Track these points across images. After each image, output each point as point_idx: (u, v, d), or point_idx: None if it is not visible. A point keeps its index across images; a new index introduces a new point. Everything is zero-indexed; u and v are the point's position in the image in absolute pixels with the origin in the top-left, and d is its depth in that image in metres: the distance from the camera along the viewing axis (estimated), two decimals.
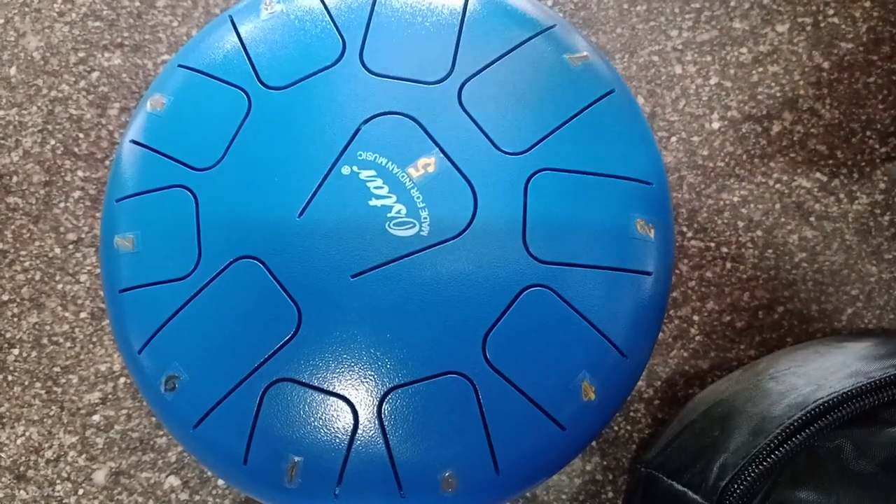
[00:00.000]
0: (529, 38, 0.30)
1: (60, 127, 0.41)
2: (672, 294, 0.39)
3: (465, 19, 0.30)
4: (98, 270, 0.39)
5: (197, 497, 0.38)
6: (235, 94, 0.29)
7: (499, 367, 0.27)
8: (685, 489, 0.29)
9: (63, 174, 0.40)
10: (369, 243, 0.28)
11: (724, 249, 0.39)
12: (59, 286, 0.39)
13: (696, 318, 0.39)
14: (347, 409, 0.27)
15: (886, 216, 0.39)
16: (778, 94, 0.40)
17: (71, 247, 0.40)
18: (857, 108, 0.40)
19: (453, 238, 0.28)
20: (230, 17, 0.31)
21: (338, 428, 0.27)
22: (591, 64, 0.30)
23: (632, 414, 0.38)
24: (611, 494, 0.37)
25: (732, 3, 0.41)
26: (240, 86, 0.30)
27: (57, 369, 0.39)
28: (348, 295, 0.27)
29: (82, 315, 0.39)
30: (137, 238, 0.29)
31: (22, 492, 0.38)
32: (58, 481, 0.38)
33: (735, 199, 0.39)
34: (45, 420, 0.38)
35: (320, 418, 0.27)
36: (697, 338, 0.39)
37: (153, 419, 0.38)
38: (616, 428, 0.38)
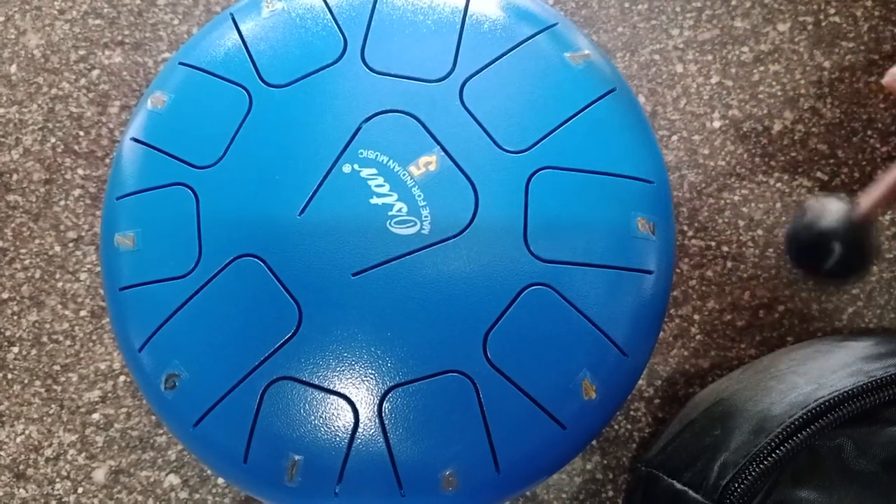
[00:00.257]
0: (531, 37, 0.30)
1: (61, 125, 0.41)
2: (673, 293, 0.39)
3: (467, 17, 0.30)
4: (98, 268, 0.39)
5: (197, 496, 0.37)
6: (236, 92, 0.29)
7: (499, 365, 0.27)
8: (686, 488, 0.29)
9: (63, 172, 0.40)
10: (370, 242, 0.28)
11: (725, 248, 0.39)
12: (59, 284, 0.39)
13: (696, 316, 0.39)
14: (348, 407, 0.27)
15: (887, 216, 0.39)
16: (779, 93, 0.40)
17: (71, 245, 0.40)
18: (858, 108, 0.40)
19: (454, 236, 0.28)
20: (231, 14, 0.31)
21: (338, 426, 0.27)
22: (593, 62, 0.30)
23: (632, 413, 0.38)
24: (611, 493, 0.37)
25: (734, 2, 0.41)
26: (241, 84, 0.30)
27: (57, 367, 0.39)
28: (349, 293, 0.27)
29: (82, 313, 0.39)
30: (138, 236, 0.29)
31: (21, 490, 0.38)
32: (57, 480, 0.38)
33: (736, 197, 0.39)
34: (44, 418, 0.38)
35: (321, 417, 0.27)
36: (698, 337, 0.39)
37: (153, 417, 0.38)
38: (616, 427, 0.38)
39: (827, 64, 0.40)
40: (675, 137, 0.40)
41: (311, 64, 0.29)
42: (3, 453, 0.38)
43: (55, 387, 0.39)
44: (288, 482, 0.27)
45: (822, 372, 0.30)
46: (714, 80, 0.40)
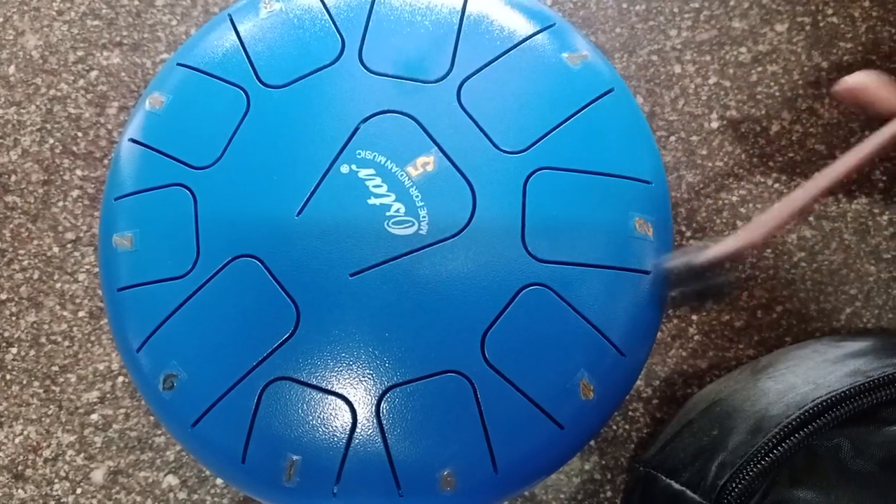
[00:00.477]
0: (529, 38, 0.30)
1: (59, 126, 0.41)
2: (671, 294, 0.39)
3: (465, 18, 0.30)
4: (96, 269, 0.39)
5: (195, 496, 0.37)
6: (234, 93, 0.29)
7: (497, 365, 0.27)
8: (683, 488, 0.29)
9: (62, 173, 0.40)
10: (368, 242, 0.28)
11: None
12: (58, 285, 0.39)
13: (694, 317, 0.39)
14: (346, 407, 0.27)
15: (885, 216, 0.39)
16: (777, 94, 0.40)
17: (69, 246, 0.40)
18: (856, 108, 0.40)
19: (452, 237, 0.28)
20: (229, 15, 0.31)
21: (336, 427, 0.27)
22: (590, 63, 0.30)
23: (630, 413, 0.38)
24: (609, 493, 0.37)
25: (731, 3, 0.41)
26: (239, 84, 0.30)
27: (55, 368, 0.39)
28: (347, 294, 0.27)
29: (80, 314, 0.39)
30: (136, 236, 0.29)
31: (20, 491, 0.38)
32: (56, 480, 0.38)
33: (734, 198, 0.39)
34: (43, 419, 0.38)
35: (319, 417, 0.27)
36: (696, 337, 0.39)
37: (151, 418, 0.38)
38: (615, 427, 0.38)
39: (825, 64, 0.41)
40: (673, 138, 0.40)
41: (309, 65, 0.29)
42: (1, 454, 0.38)
43: (54, 387, 0.39)
44: (286, 482, 0.27)
45: (819, 372, 0.30)
46: (712, 80, 0.41)
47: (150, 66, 0.41)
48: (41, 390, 0.39)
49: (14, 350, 0.39)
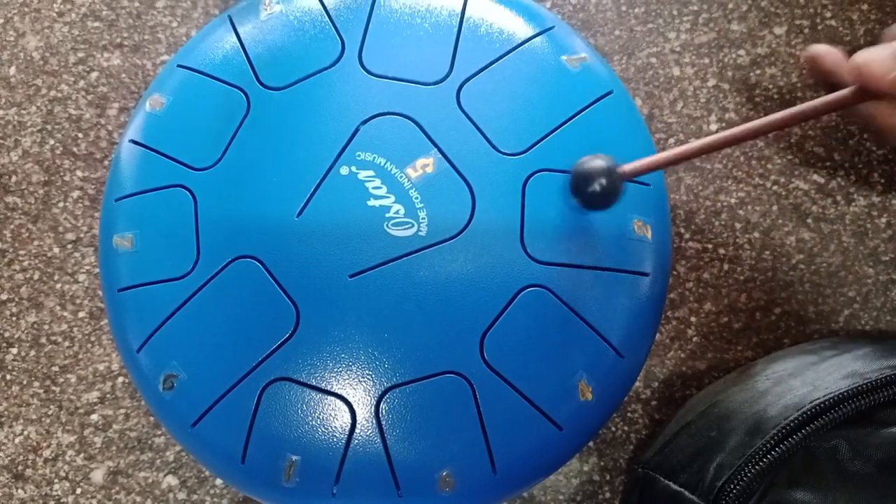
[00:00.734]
0: (528, 40, 0.30)
1: (59, 127, 0.41)
2: (669, 295, 0.39)
3: (464, 21, 0.30)
4: (97, 270, 0.40)
5: (195, 496, 0.38)
6: (234, 95, 0.30)
7: (496, 367, 0.27)
8: (682, 489, 0.29)
9: (62, 174, 0.40)
10: (367, 243, 0.28)
11: (722, 251, 0.39)
12: (58, 285, 0.39)
13: (693, 319, 0.39)
14: (345, 408, 0.27)
15: (883, 218, 0.39)
16: (775, 97, 0.40)
17: (70, 246, 0.40)
18: (855, 110, 0.40)
19: (451, 238, 0.28)
20: (229, 17, 0.31)
21: (335, 427, 0.27)
22: (589, 66, 0.31)
23: (629, 415, 0.38)
24: (608, 495, 0.37)
25: (730, 6, 0.41)
26: (239, 86, 0.30)
27: (55, 368, 0.39)
28: (346, 295, 0.27)
29: (81, 314, 0.39)
30: (136, 237, 0.29)
31: (20, 491, 0.38)
32: (56, 480, 0.38)
33: (733, 200, 0.39)
34: (43, 419, 0.38)
35: (318, 418, 0.27)
36: (695, 339, 0.39)
37: (151, 418, 0.38)
38: (613, 428, 0.38)
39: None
40: (671, 140, 0.40)
41: (309, 66, 0.30)
42: (1, 454, 0.38)
43: (54, 388, 0.39)
44: (285, 483, 0.27)
45: (817, 374, 0.30)
46: (711, 83, 0.41)
47: (151, 67, 0.42)
48: (41, 390, 0.39)
49: (14, 350, 0.39)
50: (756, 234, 0.39)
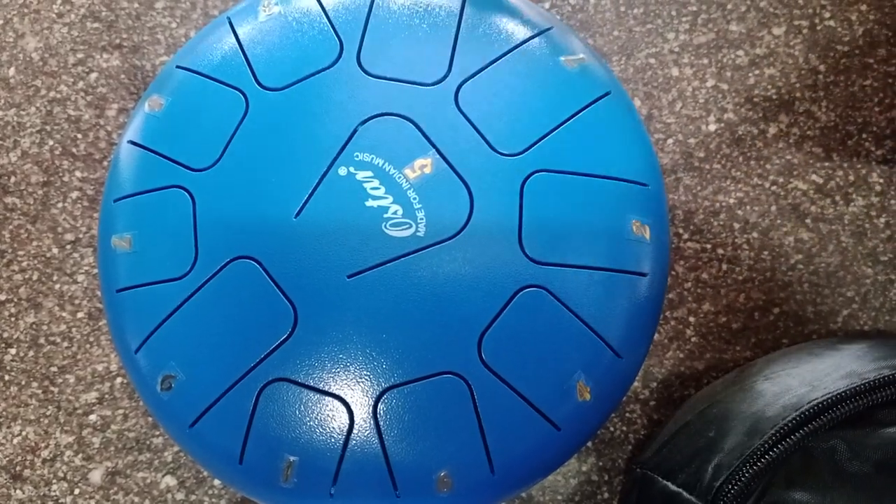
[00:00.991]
0: (526, 41, 0.30)
1: (59, 127, 0.41)
2: (668, 295, 0.39)
3: (462, 21, 0.30)
4: (95, 270, 0.40)
5: (193, 497, 0.38)
6: (233, 96, 0.30)
7: (494, 367, 0.27)
8: (680, 490, 0.29)
9: (61, 174, 0.40)
10: (365, 244, 0.28)
11: (721, 251, 0.39)
12: (57, 286, 0.39)
13: (691, 319, 0.39)
14: (343, 408, 0.27)
15: (882, 218, 0.39)
16: (774, 97, 0.40)
17: (68, 247, 0.40)
18: (854, 111, 0.40)
19: (449, 239, 0.28)
20: (228, 18, 0.31)
21: (333, 428, 0.27)
22: (588, 66, 0.31)
23: (628, 415, 0.38)
24: (606, 495, 0.38)
25: (729, 6, 0.41)
26: (237, 87, 0.30)
27: (54, 369, 0.39)
28: (344, 295, 0.27)
29: (79, 315, 0.39)
30: (135, 238, 0.29)
31: (18, 491, 0.38)
32: (54, 481, 0.38)
33: (731, 200, 0.40)
34: (41, 420, 0.38)
35: (316, 418, 0.27)
36: (693, 339, 0.39)
37: (149, 419, 0.38)
38: (612, 429, 0.38)
39: (822, 67, 0.41)
40: (670, 140, 0.40)
41: (308, 67, 0.30)
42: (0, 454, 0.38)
43: (52, 388, 0.39)
44: (283, 483, 0.27)
45: (816, 374, 0.30)
46: (709, 83, 0.41)
47: (150, 68, 0.42)
48: (40, 391, 0.39)
49: (13, 351, 0.39)
50: (755, 235, 0.39)
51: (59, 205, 0.40)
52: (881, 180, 0.40)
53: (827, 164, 0.40)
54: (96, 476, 0.38)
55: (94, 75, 0.41)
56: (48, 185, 0.40)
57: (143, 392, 0.29)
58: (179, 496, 0.38)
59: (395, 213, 0.28)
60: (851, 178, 0.40)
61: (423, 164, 0.28)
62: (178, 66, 0.31)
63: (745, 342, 0.39)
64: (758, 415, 0.29)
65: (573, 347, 0.28)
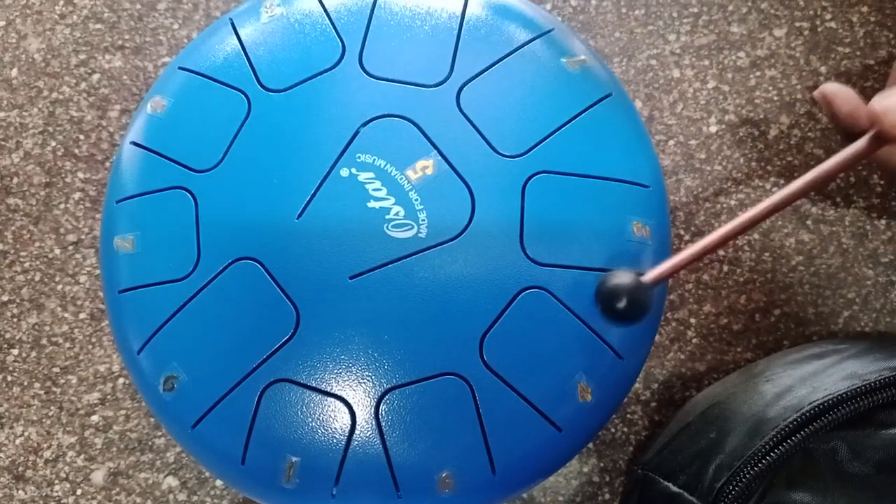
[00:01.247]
0: (528, 42, 0.30)
1: (61, 128, 0.41)
2: (669, 297, 0.39)
3: (464, 23, 0.30)
4: (98, 271, 0.40)
5: (195, 497, 0.38)
6: (235, 97, 0.30)
7: (496, 368, 0.27)
8: (681, 490, 0.29)
9: (63, 175, 0.41)
10: (367, 245, 0.28)
11: (721, 252, 0.39)
12: (59, 287, 0.40)
13: (692, 320, 0.39)
14: (345, 409, 0.27)
15: (883, 220, 0.39)
16: (775, 98, 0.41)
17: (71, 248, 0.40)
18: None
19: (451, 240, 0.28)
20: (230, 19, 0.31)
21: (335, 428, 0.27)
22: (589, 68, 0.31)
23: (629, 416, 0.38)
24: (608, 496, 0.38)
25: (730, 8, 0.41)
26: (240, 88, 0.30)
27: (56, 370, 0.39)
28: (346, 296, 0.27)
29: (82, 316, 0.39)
30: (137, 239, 0.29)
31: (21, 492, 0.38)
32: (56, 481, 0.38)
33: (732, 202, 0.40)
34: (44, 420, 0.39)
35: (318, 419, 0.27)
36: (694, 340, 0.39)
37: (152, 420, 0.38)
38: (613, 430, 0.38)
39: (823, 69, 0.41)
40: (671, 142, 0.40)
41: (310, 69, 0.30)
42: (2, 455, 0.38)
43: (54, 389, 0.39)
44: (285, 484, 0.27)
45: (816, 375, 0.30)
46: (710, 84, 0.41)
47: (152, 69, 0.42)
48: (42, 392, 0.39)
49: (15, 351, 0.39)
50: (755, 236, 0.39)
51: (62, 206, 0.40)
52: (882, 182, 0.40)
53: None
54: (98, 477, 0.38)
55: (96, 76, 0.42)
56: (50, 186, 0.40)
57: (145, 393, 0.29)
58: (181, 497, 0.38)
59: (396, 214, 0.28)
60: (852, 179, 0.40)
61: (425, 166, 0.28)
62: (180, 68, 0.31)
63: (746, 343, 0.39)
64: (759, 416, 0.29)
65: (574, 348, 0.28)
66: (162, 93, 0.31)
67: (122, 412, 0.38)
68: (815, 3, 0.41)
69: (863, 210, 0.39)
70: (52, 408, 0.39)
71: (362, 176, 0.28)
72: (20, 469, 0.38)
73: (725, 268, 0.39)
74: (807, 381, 0.30)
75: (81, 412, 0.38)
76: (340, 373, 0.27)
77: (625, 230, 0.29)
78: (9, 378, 0.39)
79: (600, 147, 0.29)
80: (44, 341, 0.39)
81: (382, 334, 0.27)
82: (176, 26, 0.42)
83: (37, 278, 0.40)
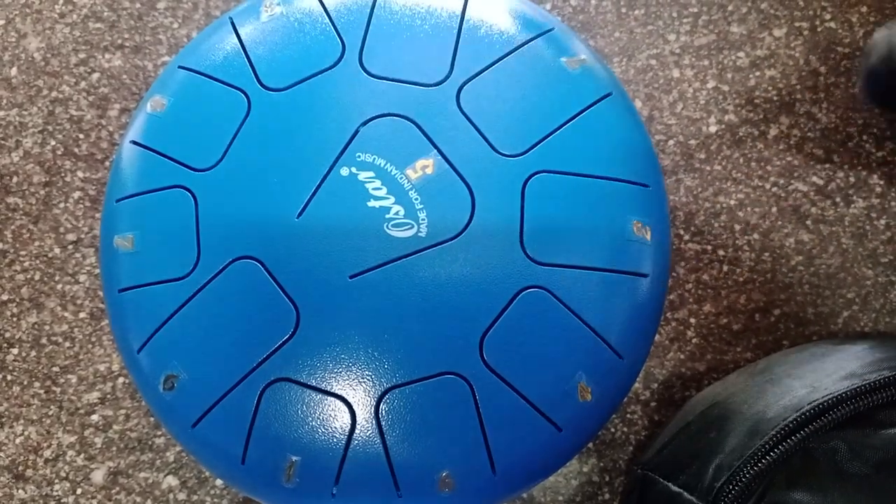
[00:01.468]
0: (528, 42, 0.30)
1: (61, 128, 0.41)
2: (669, 296, 0.39)
3: (464, 22, 0.30)
4: (97, 271, 0.40)
5: (195, 497, 0.38)
6: (235, 96, 0.30)
7: (496, 367, 0.27)
8: (681, 490, 0.29)
9: (63, 175, 0.41)
10: (367, 244, 0.28)
11: (721, 252, 0.39)
12: (59, 286, 0.40)
13: (692, 320, 0.39)
14: (345, 409, 0.27)
15: (882, 220, 0.39)
16: (775, 98, 0.41)
17: (70, 247, 0.40)
18: (854, 113, 0.40)
19: (451, 239, 0.28)
20: (230, 18, 0.31)
21: (335, 428, 0.27)
22: (589, 67, 0.31)
23: (629, 416, 0.38)
24: (607, 496, 0.38)
25: (730, 8, 0.41)
26: (239, 87, 0.30)
27: (56, 369, 0.39)
28: (346, 295, 0.27)
29: (81, 315, 0.39)
30: (137, 238, 0.29)
31: (20, 491, 0.38)
32: (56, 481, 0.38)
33: (732, 202, 0.40)
34: (43, 420, 0.39)
35: (318, 418, 0.27)
36: (694, 340, 0.39)
37: (152, 419, 0.38)
38: (613, 430, 0.38)
39: (823, 69, 0.41)
40: (671, 142, 0.40)
41: (310, 68, 0.30)
42: (2, 454, 0.38)
43: (54, 388, 0.39)
44: (285, 483, 0.27)
45: (816, 375, 0.30)
46: (710, 84, 0.41)
47: (152, 68, 0.42)
48: (42, 391, 0.39)
49: (15, 351, 0.39)
50: (755, 236, 0.39)
51: (62, 205, 0.40)
52: (881, 182, 0.40)
53: (827, 165, 0.40)
54: (98, 476, 0.38)
55: (96, 75, 0.42)
56: (50, 185, 0.40)
57: (145, 392, 0.29)
58: (181, 496, 0.38)
59: (396, 213, 0.28)
60: (852, 179, 0.40)
61: (425, 165, 0.28)
62: (180, 67, 0.31)
63: (746, 343, 0.39)
64: (759, 416, 0.29)
65: (574, 348, 0.28)
66: (162, 92, 0.31)
67: (122, 411, 0.38)
68: (814, 4, 0.41)
69: (862, 210, 0.39)
70: (51, 407, 0.39)
71: (362, 175, 0.28)
72: (20, 468, 0.38)
73: (725, 267, 0.39)
74: (806, 380, 0.30)
75: (81, 411, 0.38)
76: (340, 372, 0.27)
77: (625, 229, 0.29)
78: (8, 377, 0.39)
79: (600, 146, 0.29)
80: (43, 340, 0.39)
81: (382, 333, 0.27)
82: (176, 25, 0.42)
83: (36, 277, 0.40)
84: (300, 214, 0.28)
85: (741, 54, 0.41)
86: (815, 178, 0.40)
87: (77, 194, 0.40)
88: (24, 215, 0.40)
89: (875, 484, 0.26)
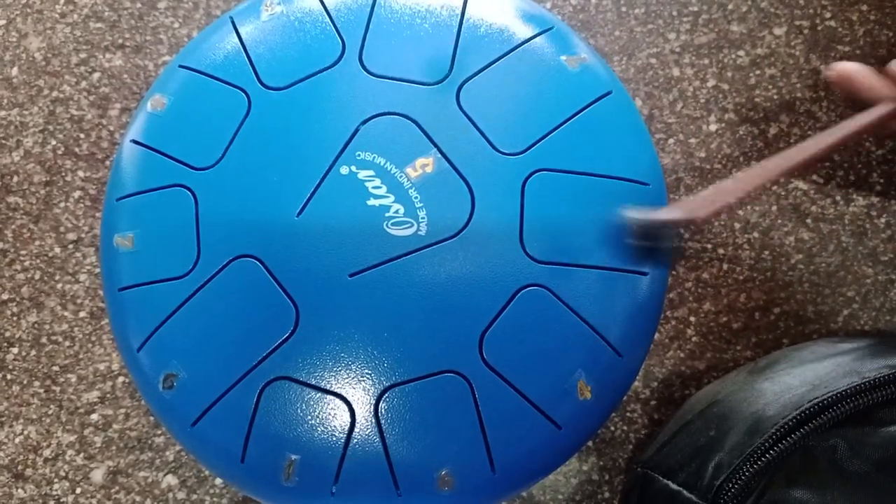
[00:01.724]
0: (528, 40, 0.30)
1: (61, 127, 0.41)
2: (669, 295, 0.39)
3: (464, 21, 0.31)
4: (97, 270, 0.40)
5: (194, 496, 0.38)
6: (235, 95, 0.30)
7: (495, 366, 0.27)
8: (680, 488, 0.29)
9: (63, 174, 0.41)
10: (367, 243, 0.28)
11: (721, 251, 0.39)
12: (59, 285, 0.40)
13: (692, 318, 0.39)
14: (344, 407, 0.27)
15: (882, 218, 0.39)
16: (775, 97, 0.41)
17: (71, 246, 0.40)
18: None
19: (451, 238, 0.28)
20: (231, 18, 0.31)
21: (335, 426, 0.27)
22: (589, 66, 0.31)
23: (628, 414, 0.38)
24: (607, 494, 0.38)
25: (730, 7, 0.41)
26: (240, 86, 0.30)
27: (56, 368, 0.39)
28: (346, 294, 0.27)
29: (81, 314, 0.39)
30: (137, 237, 0.29)
31: (20, 490, 0.38)
32: (56, 480, 0.38)
33: (731, 200, 0.39)
34: (43, 419, 0.39)
35: (317, 417, 0.27)
36: (694, 339, 0.39)
37: (151, 418, 0.38)
38: (613, 428, 0.38)
39: (823, 67, 0.41)
40: (671, 140, 0.40)
41: (310, 67, 0.30)
42: (1, 453, 0.38)
43: (54, 387, 0.39)
44: (285, 482, 0.27)
45: (816, 373, 0.30)
46: (710, 83, 0.41)
47: (152, 68, 0.42)
48: (42, 390, 0.39)
49: (15, 350, 0.39)
50: (755, 234, 0.39)
51: (62, 204, 0.40)
52: (881, 180, 0.40)
53: (827, 164, 0.40)
54: (98, 475, 0.38)
55: (96, 75, 0.42)
56: (51, 184, 0.40)
57: (144, 391, 0.29)
58: (181, 495, 0.38)
59: (396, 212, 0.28)
60: (852, 178, 0.40)
61: (425, 164, 0.28)
62: (180, 66, 0.31)
63: (746, 342, 0.39)
64: (758, 414, 0.29)
65: (574, 346, 0.28)
66: (162, 91, 0.31)
67: (122, 410, 0.38)
68: (814, 2, 0.41)
69: (862, 208, 0.39)
70: (51, 406, 0.39)
71: (362, 174, 0.28)
72: (20, 467, 0.38)
73: (725, 266, 0.39)
74: (806, 378, 0.30)
75: (81, 410, 0.38)
76: (340, 371, 0.27)
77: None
78: (8, 376, 0.39)
79: (600, 145, 0.29)
80: (43, 340, 0.39)
81: (382, 332, 0.27)
82: (176, 25, 0.42)
83: (37, 277, 0.40)
84: (300, 213, 0.28)
85: (741, 53, 0.41)
86: (815, 177, 0.40)
87: (77, 194, 0.40)
88: (24, 215, 0.40)
89: (874, 482, 0.26)
